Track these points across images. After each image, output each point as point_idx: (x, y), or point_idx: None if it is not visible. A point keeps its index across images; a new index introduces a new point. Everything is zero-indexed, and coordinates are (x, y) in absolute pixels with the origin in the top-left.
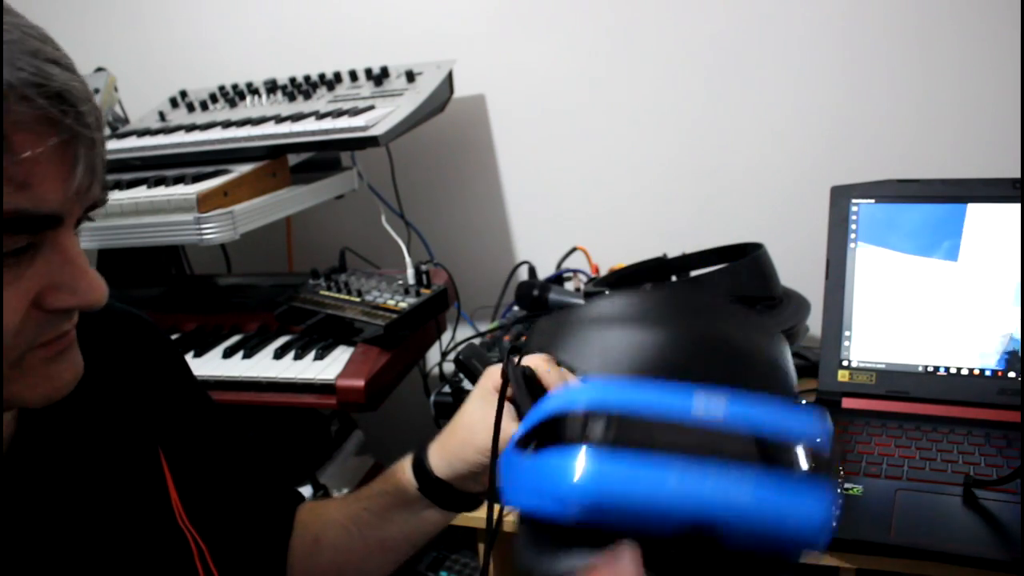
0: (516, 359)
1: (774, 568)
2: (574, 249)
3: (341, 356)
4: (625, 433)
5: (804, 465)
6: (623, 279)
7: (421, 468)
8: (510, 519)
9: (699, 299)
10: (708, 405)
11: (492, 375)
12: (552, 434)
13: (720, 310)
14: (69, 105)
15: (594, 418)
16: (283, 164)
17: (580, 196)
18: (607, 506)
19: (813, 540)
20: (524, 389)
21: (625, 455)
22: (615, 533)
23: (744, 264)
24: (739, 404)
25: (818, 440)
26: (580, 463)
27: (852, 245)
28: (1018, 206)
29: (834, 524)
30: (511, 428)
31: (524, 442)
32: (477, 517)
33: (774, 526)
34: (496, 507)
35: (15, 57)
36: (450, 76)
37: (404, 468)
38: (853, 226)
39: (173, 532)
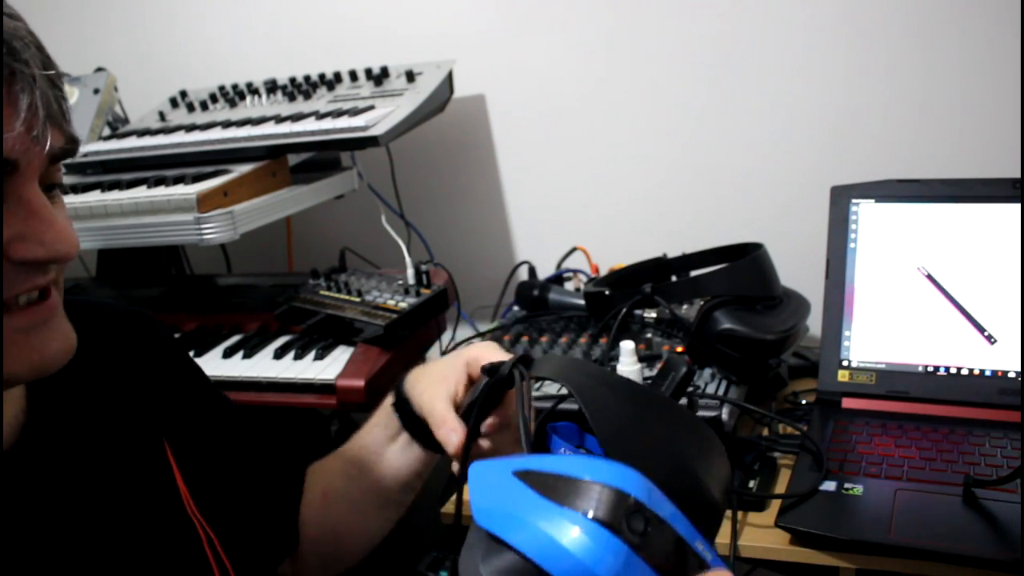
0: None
1: None
2: (574, 249)
3: (341, 356)
4: (655, 544)
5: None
6: (623, 279)
7: (401, 402)
8: None
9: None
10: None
11: (473, 352)
12: (577, 499)
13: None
14: (15, 52)
15: (636, 513)
16: (283, 164)
17: (580, 196)
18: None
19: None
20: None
21: (646, 563)
22: None
23: (744, 264)
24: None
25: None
26: (611, 555)
27: (852, 245)
28: (1018, 206)
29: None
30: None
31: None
32: None
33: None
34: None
35: None
36: (450, 76)
37: (387, 407)
38: (853, 226)
39: (182, 521)
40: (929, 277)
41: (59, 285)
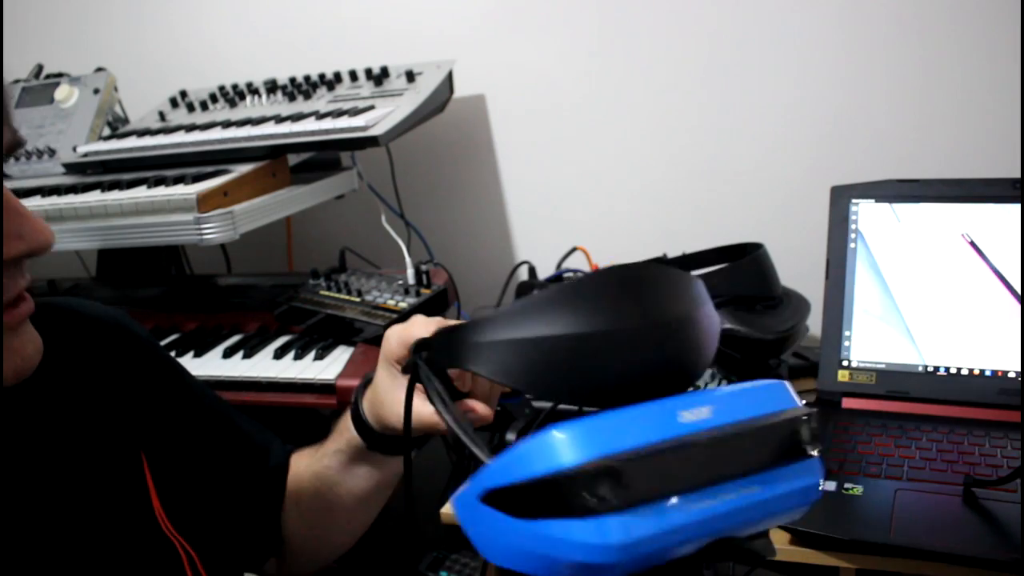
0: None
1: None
2: (574, 249)
3: (341, 356)
4: (633, 487)
5: (798, 438)
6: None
7: (361, 423)
8: None
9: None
10: (693, 414)
11: (391, 343)
12: (543, 496)
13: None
14: None
15: (596, 479)
16: (283, 164)
17: (580, 196)
18: (632, 562)
19: (811, 501)
20: (435, 384)
21: (642, 512)
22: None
23: (744, 264)
24: (717, 400)
25: (796, 409)
26: (608, 535)
27: (852, 245)
28: (1018, 206)
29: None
30: (425, 410)
31: (494, 498)
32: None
33: (786, 509)
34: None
35: None
36: (450, 76)
37: (348, 425)
38: (853, 226)
39: (156, 538)
40: (929, 277)
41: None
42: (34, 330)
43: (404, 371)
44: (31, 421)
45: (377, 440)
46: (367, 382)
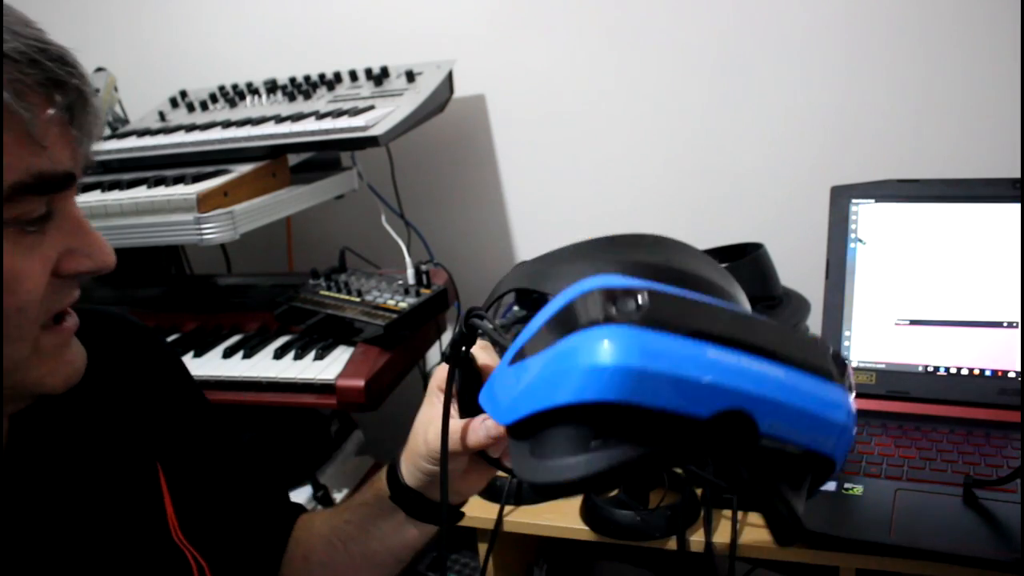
0: (460, 350)
1: (803, 465)
2: None
3: (341, 356)
4: (658, 311)
5: (829, 366)
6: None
7: (394, 476)
8: (509, 519)
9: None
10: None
11: (437, 375)
12: (566, 326)
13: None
14: (71, 66)
15: (621, 296)
16: (283, 164)
17: (580, 196)
18: (645, 384)
19: (840, 437)
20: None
21: (661, 332)
22: (648, 417)
23: (744, 264)
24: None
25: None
26: (617, 339)
27: (852, 245)
28: (1018, 206)
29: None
30: (458, 426)
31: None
32: (477, 517)
33: (807, 413)
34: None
35: (13, 25)
36: (450, 76)
37: (382, 476)
38: (853, 226)
39: (169, 548)
40: (929, 277)
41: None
42: (78, 340)
43: (448, 353)
44: (53, 425)
45: (404, 495)
46: None
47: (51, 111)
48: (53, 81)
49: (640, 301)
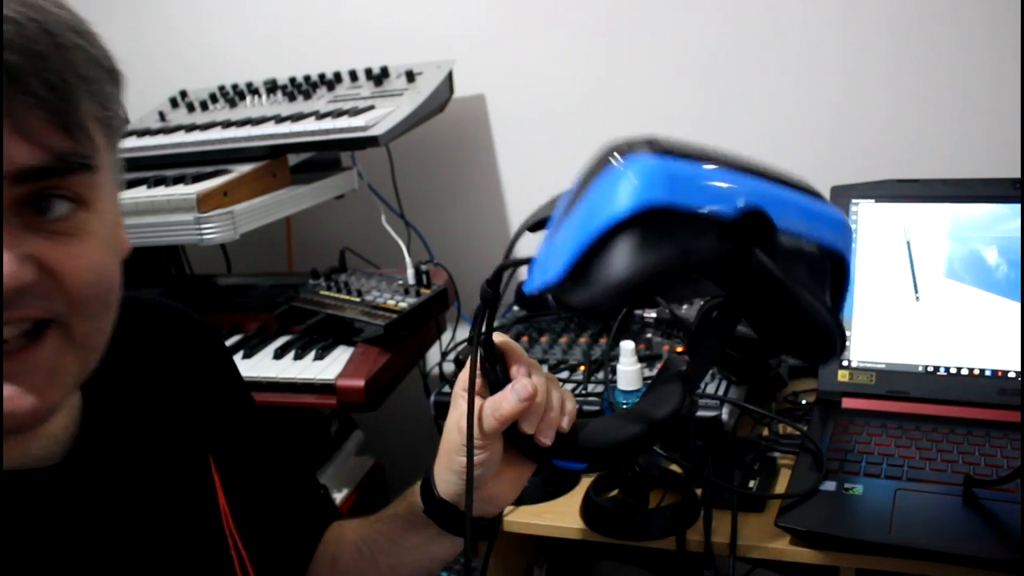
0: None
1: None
2: None
3: (341, 356)
4: (671, 143)
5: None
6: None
7: (427, 487)
8: (509, 518)
9: None
10: None
11: (460, 380)
12: (592, 175)
13: None
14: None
15: (634, 141)
16: (283, 164)
17: None
18: (676, 184)
19: (847, 236)
20: (489, 364)
21: (679, 157)
22: (682, 219)
23: None
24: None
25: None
26: (644, 157)
27: (852, 245)
28: (1018, 206)
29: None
30: (486, 405)
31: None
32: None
33: (815, 212)
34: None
35: None
36: (450, 76)
37: (416, 489)
38: (853, 226)
39: (218, 539)
40: (928, 277)
41: (69, 331)
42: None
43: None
44: (118, 416)
45: (437, 507)
46: None
47: None
48: None
49: (654, 138)
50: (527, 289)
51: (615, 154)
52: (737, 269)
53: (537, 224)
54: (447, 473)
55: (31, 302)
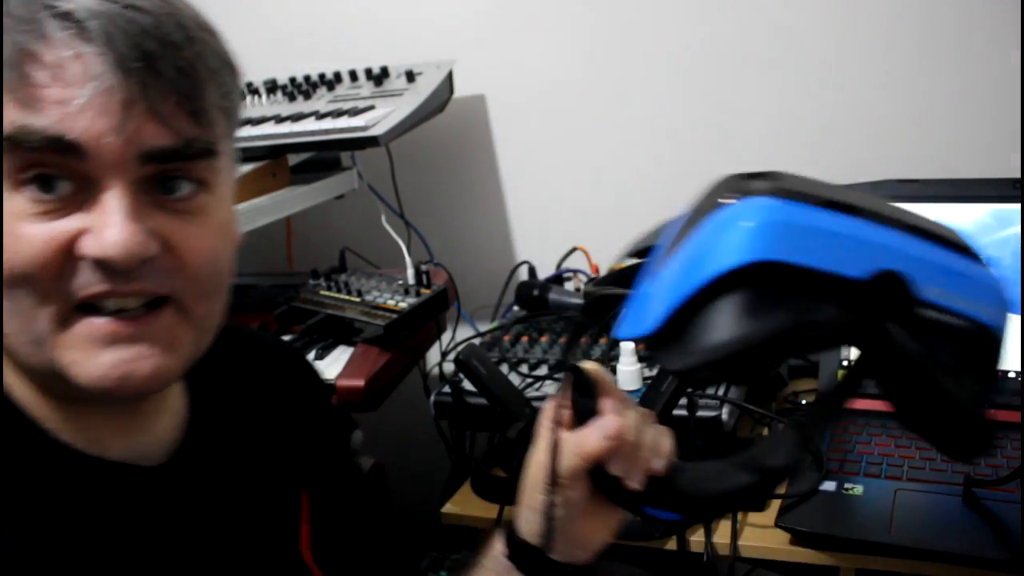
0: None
1: (967, 343)
2: (574, 249)
3: (341, 356)
4: (793, 182)
5: (973, 250)
6: (623, 278)
7: (511, 531)
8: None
9: None
10: None
11: (546, 412)
12: (701, 214)
13: None
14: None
15: (752, 177)
16: (283, 164)
17: (580, 196)
18: (794, 239)
19: (1003, 309)
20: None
21: (802, 202)
22: (801, 279)
23: None
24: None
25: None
26: (762, 201)
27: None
28: (1018, 206)
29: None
30: (572, 438)
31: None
32: (477, 517)
33: (968, 279)
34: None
35: None
36: (450, 76)
37: (496, 544)
38: None
39: (296, 567)
40: None
41: (185, 309)
42: (135, 351)
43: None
44: (221, 432)
45: (522, 552)
46: None
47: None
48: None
49: (778, 176)
50: (616, 334)
51: (730, 191)
52: (865, 343)
53: (641, 252)
54: (529, 512)
55: (153, 276)
